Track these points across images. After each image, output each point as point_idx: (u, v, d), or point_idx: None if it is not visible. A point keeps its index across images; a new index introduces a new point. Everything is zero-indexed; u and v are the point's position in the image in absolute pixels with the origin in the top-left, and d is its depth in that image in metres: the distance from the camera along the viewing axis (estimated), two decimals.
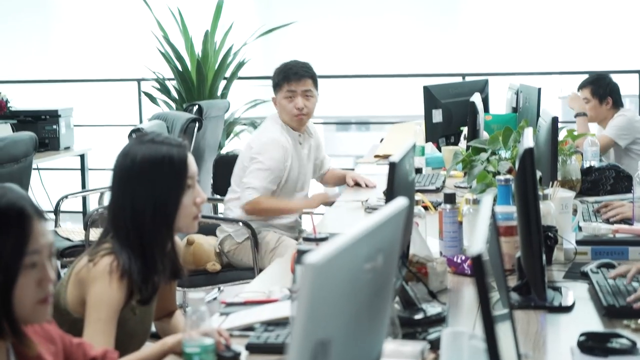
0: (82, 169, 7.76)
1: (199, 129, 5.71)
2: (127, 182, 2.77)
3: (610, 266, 3.02)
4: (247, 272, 4.76)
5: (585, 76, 6.34)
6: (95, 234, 4.61)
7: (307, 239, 2.61)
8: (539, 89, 5.18)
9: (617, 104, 6.11)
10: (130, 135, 4.96)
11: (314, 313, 1.38)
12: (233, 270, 4.81)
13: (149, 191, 2.74)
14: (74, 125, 7.66)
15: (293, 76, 4.75)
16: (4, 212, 1.94)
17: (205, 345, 2.28)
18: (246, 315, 2.68)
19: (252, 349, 2.45)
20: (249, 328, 2.60)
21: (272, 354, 2.41)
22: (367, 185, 4.96)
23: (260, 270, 4.17)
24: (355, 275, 1.56)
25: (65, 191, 6.09)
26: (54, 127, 7.37)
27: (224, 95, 7.95)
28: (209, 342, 2.29)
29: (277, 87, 4.81)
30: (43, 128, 7.33)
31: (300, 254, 2.45)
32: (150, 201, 2.74)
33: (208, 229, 4.91)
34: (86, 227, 5.14)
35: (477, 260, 1.61)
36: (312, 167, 5.01)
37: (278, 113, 4.84)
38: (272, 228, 4.79)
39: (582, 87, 6.19)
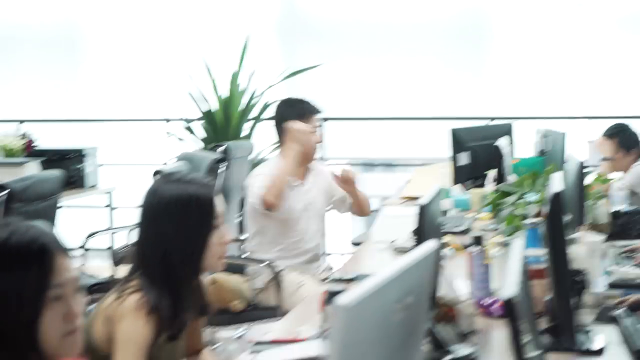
0: (109, 207, 7.80)
1: (224, 169, 5.72)
2: (155, 221, 2.78)
3: None
4: (271, 311, 4.75)
5: (613, 121, 6.30)
6: (122, 271, 4.61)
7: (336, 280, 2.61)
8: (564, 134, 5.18)
9: None
10: (154, 175, 4.97)
11: (345, 355, 1.38)
12: (257, 310, 4.80)
13: (178, 231, 2.75)
14: (100, 165, 7.71)
15: (316, 111, 4.76)
16: (25, 247, 1.95)
17: None
18: (276, 354, 2.67)
19: None
20: None
21: None
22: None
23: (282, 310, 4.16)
24: (386, 316, 1.55)
25: (91, 229, 6.11)
26: (80, 165, 7.41)
27: (248, 136, 7.98)
28: None
29: (302, 117, 4.72)
30: (69, 167, 7.37)
31: (331, 294, 2.44)
32: (179, 241, 2.75)
33: (232, 268, 4.91)
34: (116, 264, 5.16)
35: (509, 304, 1.61)
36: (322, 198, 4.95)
37: (289, 146, 4.72)
38: (293, 269, 4.78)
39: (607, 137, 6.13)
